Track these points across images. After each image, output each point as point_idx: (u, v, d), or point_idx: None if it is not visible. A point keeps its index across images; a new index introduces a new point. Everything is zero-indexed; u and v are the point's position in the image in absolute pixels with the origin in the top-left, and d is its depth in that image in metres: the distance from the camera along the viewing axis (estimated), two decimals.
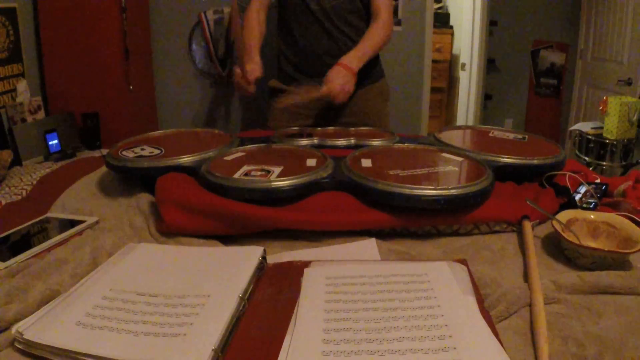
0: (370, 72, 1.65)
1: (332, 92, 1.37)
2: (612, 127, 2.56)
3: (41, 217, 0.98)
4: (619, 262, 0.76)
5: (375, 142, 1.24)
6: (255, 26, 1.56)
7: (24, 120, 1.67)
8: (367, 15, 1.61)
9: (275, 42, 1.73)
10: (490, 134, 1.31)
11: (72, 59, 1.94)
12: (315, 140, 1.26)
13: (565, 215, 0.85)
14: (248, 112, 2.68)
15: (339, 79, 1.39)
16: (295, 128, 1.42)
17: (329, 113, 1.62)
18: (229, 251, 0.82)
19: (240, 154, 1.12)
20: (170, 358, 0.54)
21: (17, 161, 1.48)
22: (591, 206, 0.94)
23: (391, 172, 0.97)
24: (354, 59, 1.46)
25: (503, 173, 1.02)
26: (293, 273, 0.73)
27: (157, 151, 1.13)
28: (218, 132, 1.36)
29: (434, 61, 3.07)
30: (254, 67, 1.41)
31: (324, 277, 0.70)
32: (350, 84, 1.42)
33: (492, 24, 4.18)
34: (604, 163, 2.61)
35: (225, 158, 1.08)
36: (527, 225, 0.88)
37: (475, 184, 0.90)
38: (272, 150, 1.18)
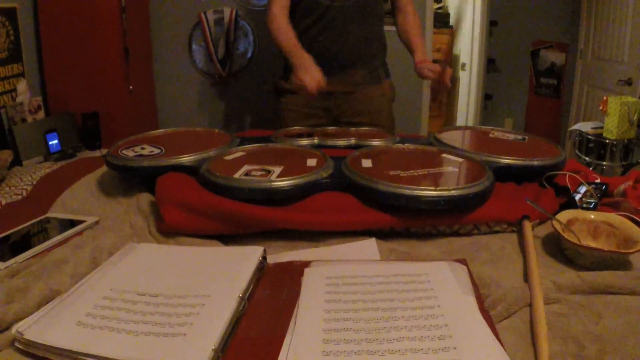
0: (376, 72, 1.65)
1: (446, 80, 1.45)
2: (612, 127, 2.56)
3: (41, 217, 0.98)
4: (619, 262, 0.76)
5: (376, 143, 1.24)
6: (290, 30, 1.50)
7: (24, 120, 1.67)
8: (381, 14, 1.63)
9: None
10: (491, 135, 1.31)
11: (72, 59, 1.94)
12: (315, 140, 1.26)
13: (565, 215, 0.86)
14: (248, 112, 2.68)
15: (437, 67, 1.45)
16: (296, 128, 1.42)
17: (335, 113, 1.62)
18: (229, 251, 0.82)
19: (240, 153, 1.12)
20: (170, 358, 0.54)
21: (17, 161, 1.47)
22: (591, 206, 0.94)
23: (391, 173, 0.97)
24: (424, 53, 1.57)
25: (503, 174, 1.02)
26: (293, 273, 0.72)
27: (157, 150, 1.13)
28: (218, 131, 1.36)
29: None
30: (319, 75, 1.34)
31: (324, 277, 0.70)
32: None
33: (492, 24, 4.18)
34: (604, 163, 2.61)
35: (226, 158, 1.08)
36: (527, 225, 0.88)
37: (475, 184, 0.90)
38: (273, 150, 1.17)
